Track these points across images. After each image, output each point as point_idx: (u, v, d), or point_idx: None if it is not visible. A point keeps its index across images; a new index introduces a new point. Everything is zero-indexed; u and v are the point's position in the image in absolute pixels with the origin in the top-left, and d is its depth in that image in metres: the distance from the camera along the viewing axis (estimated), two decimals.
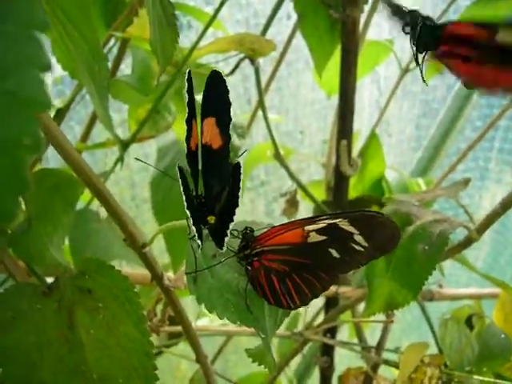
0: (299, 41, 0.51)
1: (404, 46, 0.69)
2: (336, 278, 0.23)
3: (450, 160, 0.75)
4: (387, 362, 0.47)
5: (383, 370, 0.52)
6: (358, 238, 0.22)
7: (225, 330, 0.49)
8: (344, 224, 0.22)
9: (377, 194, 0.53)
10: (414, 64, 0.51)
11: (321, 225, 0.22)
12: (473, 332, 0.47)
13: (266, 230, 0.22)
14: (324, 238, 0.22)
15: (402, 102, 0.75)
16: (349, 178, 0.44)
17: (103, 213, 0.43)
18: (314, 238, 0.22)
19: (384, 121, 0.61)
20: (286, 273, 0.22)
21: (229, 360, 0.75)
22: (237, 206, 0.22)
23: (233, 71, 0.44)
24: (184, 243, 0.47)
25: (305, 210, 0.58)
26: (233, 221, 0.22)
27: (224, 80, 0.23)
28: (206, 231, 0.23)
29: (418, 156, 0.72)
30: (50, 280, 0.27)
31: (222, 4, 0.36)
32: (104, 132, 0.48)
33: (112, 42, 0.46)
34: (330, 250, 0.22)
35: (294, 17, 0.61)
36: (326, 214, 0.22)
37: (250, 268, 0.22)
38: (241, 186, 0.22)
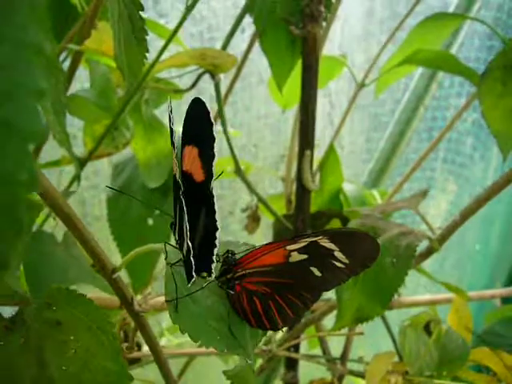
0: (252, 55, 0.52)
1: (356, 61, 0.71)
2: (318, 296, 0.23)
3: (399, 171, 0.78)
4: (352, 373, 0.47)
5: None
6: (339, 254, 0.22)
7: (188, 352, 0.47)
8: (324, 241, 0.22)
9: (335, 207, 0.54)
10: (368, 80, 0.52)
11: (302, 244, 0.21)
12: (431, 338, 0.49)
13: (247, 252, 0.22)
14: (305, 256, 0.22)
15: (353, 115, 0.77)
16: (311, 191, 0.45)
17: (58, 235, 0.41)
18: (296, 257, 0.22)
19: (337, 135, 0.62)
20: (268, 294, 0.22)
21: (187, 380, 0.73)
22: (217, 229, 0.21)
23: (193, 86, 0.44)
24: (146, 266, 0.46)
25: (264, 224, 0.58)
26: (216, 246, 0.21)
27: (208, 110, 0.22)
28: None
29: (370, 167, 0.74)
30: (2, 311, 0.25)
31: (183, 19, 0.36)
32: (55, 149, 0.46)
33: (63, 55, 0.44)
34: (312, 268, 0.22)
35: (249, 31, 0.62)
36: (306, 233, 0.22)
37: (232, 292, 0.22)
38: (217, 209, 0.22)
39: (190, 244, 0.20)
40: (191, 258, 0.20)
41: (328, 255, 0.22)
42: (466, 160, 0.82)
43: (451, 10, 0.64)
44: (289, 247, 0.21)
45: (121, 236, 0.46)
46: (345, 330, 0.47)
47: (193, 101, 0.22)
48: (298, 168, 0.44)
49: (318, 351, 0.61)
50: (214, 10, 0.63)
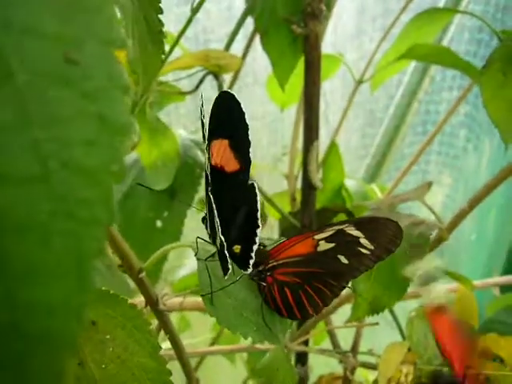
0: (247, 56, 0.52)
1: (349, 58, 0.72)
2: (346, 284, 0.23)
3: (395, 165, 0.79)
4: (364, 365, 0.48)
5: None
6: (364, 241, 0.22)
7: (200, 352, 0.48)
8: (350, 229, 0.22)
9: (338, 203, 0.55)
10: (366, 76, 0.53)
11: (329, 232, 0.22)
12: None
13: (276, 244, 0.22)
14: (332, 245, 0.22)
15: (348, 112, 0.78)
16: (316, 189, 0.45)
17: None
18: (324, 246, 0.22)
19: (333, 131, 0.63)
20: (299, 284, 0.23)
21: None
22: (258, 227, 0.22)
23: (196, 88, 0.44)
24: (158, 264, 0.46)
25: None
26: (256, 243, 0.21)
27: (238, 100, 0.23)
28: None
29: (367, 163, 0.75)
30: None
31: (188, 22, 0.36)
32: None
33: None
34: (339, 256, 0.22)
35: (244, 32, 0.62)
36: (333, 223, 0.22)
37: (263, 284, 0.22)
38: (259, 207, 0.22)
39: (222, 238, 0.21)
40: (225, 252, 0.21)
41: (354, 242, 0.22)
42: (460, 152, 0.84)
43: (441, 5, 0.66)
44: (317, 237, 0.22)
45: (129, 238, 0.46)
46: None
47: (220, 95, 0.23)
48: (304, 166, 0.45)
49: (323, 346, 0.62)
50: (208, 13, 0.63)
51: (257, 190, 0.23)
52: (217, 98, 0.23)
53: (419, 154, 0.57)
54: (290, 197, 0.53)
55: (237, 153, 0.23)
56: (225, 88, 0.55)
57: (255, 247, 0.21)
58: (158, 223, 0.46)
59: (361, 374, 0.62)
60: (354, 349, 0.51)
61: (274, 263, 0.22)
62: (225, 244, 0.20)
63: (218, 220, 0.21)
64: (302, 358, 0.53)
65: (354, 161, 0.82)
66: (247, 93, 0.73)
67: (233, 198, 0.23)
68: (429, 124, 0.77)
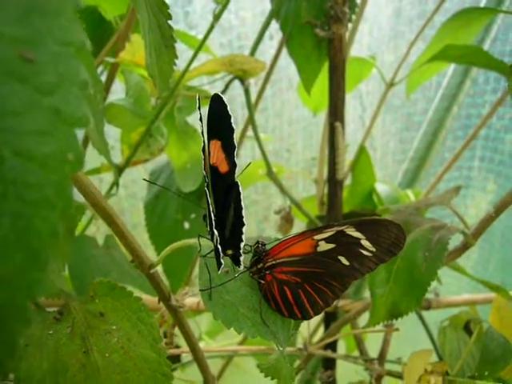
0: (281, 61, 0.53)
1: (385, 61, 0.71)
2: (348, 285, 0.23)
3: (434, 170, 0.77)
4: (390, 373, 0.47)
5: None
6: (365, 242, 0.22)
7: (225, 350, 0.48)
8: (350, 230, 0.22)
9: (369, 207, 0.54)
10: (398, 78, 0.52)
11: (329, 233, 0.22)
12: (472, 337, 0.48)
13: (276, 243, 0.23)
14: (333, 245, 0.22)
15: (385, 116, 0.76)
16: (342, 189, 0.45)
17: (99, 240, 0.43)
18: (324, 246, 0.22)
19: (364, 134, 0.62)
20: (298, 284, 0.23)
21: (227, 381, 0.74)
22: (243, 225, 0.22)
23: (223, 92, 0.45)
24: (182, 267, 0.47)
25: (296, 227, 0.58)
26: (243, 241, 0.21)
27: (226, 104, 0.23)
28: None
29: (404, 168, 0.74)
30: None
31: (211, 27, 0.37)
32: (93, 157, 0.48)
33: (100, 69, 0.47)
34: (340, 257, 0.22)
35: (277, 37, 0.63)
36: (332, 223, 0.22)
37: (263, 282, 0.22)
38: (243, 205, 0.22)
39: (216, 232, 0.21)
40: (219, 246, 0.21)
41: (355, 244, 0.22)
42: (506, 158, 0.80)
43: (483, 4, 0.64)
44: (316, 237, 0.22)
45: (158, 240, 0.48)
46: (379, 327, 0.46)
47: (212, 98, 0.23)
48: (329, 169, 0.45)
49: (356, 354, 0.61)
50: (242, 19, 0.64)
51: (240, 189, 0.23)
52: (210, 102, 0.23)
53: (455, 160, 0.55)
54: (318, 200, 0.53)
55: (226, 155, 0.23)
56: (255, 92, 0.56)
57: (242, 244, 0.21)
58: (186, 225, 0.47)
59: (390, 382, 0.60)
60: (382, 356, 0.50)
61: (273, 262, 0.22)
62: (218, 239, 0.21)
63: (212, 215, 0.21)
64: (329, 363, 0.52)
65: (391, 165, 0.81)
66: (281, 98, 0.73)
67: (226, 198, 0.23)
68: (470, 128, 0.74)
